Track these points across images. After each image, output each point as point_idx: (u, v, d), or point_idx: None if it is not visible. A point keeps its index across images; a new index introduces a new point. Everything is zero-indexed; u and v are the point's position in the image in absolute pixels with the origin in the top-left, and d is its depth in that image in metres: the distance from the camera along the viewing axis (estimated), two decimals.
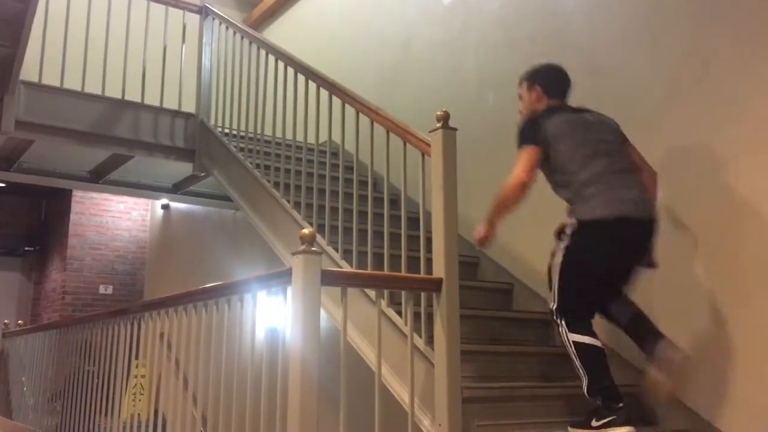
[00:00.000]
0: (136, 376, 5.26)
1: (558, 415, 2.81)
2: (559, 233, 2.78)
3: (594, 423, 2.52)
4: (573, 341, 2.58)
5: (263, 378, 2.35)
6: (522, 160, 2.74)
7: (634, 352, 3.10)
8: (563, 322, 2.63)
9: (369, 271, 3.00)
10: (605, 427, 2.48)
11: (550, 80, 3.01)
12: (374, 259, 3.09)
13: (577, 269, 2.67)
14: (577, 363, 2.57)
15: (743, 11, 2.90)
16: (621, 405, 2.51)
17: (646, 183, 2.81)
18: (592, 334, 2.61)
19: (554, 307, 2.69)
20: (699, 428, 2.78)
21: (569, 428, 2.63)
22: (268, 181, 3.95)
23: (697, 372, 2.76)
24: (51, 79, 4.54)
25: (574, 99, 3.64)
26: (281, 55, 4.01)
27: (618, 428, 2.47)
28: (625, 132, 2.92)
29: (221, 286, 2.70)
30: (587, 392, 2.56)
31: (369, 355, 2.80)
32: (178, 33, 5.09)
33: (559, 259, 2.70)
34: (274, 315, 2.62)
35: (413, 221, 3.08)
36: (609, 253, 2.67)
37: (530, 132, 2.80)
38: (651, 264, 2.77)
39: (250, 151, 4.29)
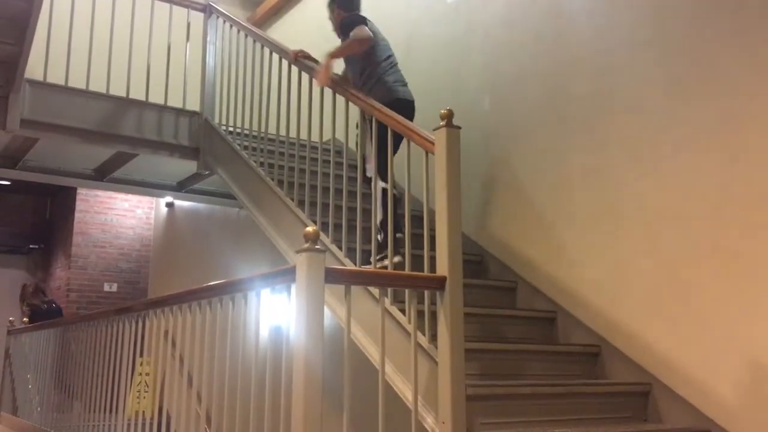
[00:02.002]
0: (140, 374, 5.29)
1: (562, 414, 2.81)
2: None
3: (376, 257, 3.12)
4: (381, 188, 3.25)
5: (267, 375, 2.36)
6: (363, 30, 3.55)
7: (636, 351, 3.10)
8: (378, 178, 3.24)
9: (372, 268, 3.01)
10: (382, 260, 3.11)
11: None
12: None
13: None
14: (380, 203, 3.21)
15: (746, 8, 2.89)
16: (397, 235, 3.10)
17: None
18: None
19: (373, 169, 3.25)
20: (702, 426, 2.78)
21: (361, 267, 3.11)
22: (272, 179, 3.96)
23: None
24: (56, 77, 4.55)
25: (578, 97, 3.64)
26: (285, 53, 4.01)
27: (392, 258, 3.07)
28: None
29: (225, 284, 2.71)
30: (380, 225, 3.23)
31: (372, 353, 2.80)
32: (183, 31, 5.09)
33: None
34: (278, 313, 2.63)
35: (417, 219, 3.08)
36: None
37: (358, 19, 3.65)
38: None
39: (254, 149, 4.29)
